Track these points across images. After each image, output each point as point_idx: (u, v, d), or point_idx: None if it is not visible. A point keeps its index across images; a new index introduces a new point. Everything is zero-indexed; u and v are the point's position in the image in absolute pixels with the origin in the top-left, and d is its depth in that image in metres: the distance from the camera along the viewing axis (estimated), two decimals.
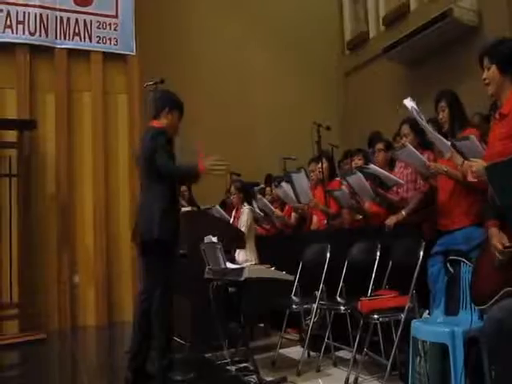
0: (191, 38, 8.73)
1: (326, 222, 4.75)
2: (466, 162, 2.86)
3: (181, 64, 8.32)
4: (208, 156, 3.26)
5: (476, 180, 2.53)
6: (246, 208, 5.04)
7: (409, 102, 3.32)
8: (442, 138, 3.29)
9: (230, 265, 3.49)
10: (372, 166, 4.01)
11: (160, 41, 8.21)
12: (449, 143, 3.01)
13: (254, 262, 4.75)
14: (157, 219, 3.26)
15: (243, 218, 4.94)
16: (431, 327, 2.75)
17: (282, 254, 4.77)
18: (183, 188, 6.05)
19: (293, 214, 5.59)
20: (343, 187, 4.52)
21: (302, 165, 5.77)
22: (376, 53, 8.35)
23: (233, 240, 4.39)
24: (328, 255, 3.94)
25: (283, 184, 5.32)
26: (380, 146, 4.40)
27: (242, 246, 4.59)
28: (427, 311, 3.16)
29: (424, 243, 3.28)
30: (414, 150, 3.55)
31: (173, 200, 3.42)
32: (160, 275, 3.33)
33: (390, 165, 4.32)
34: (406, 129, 3.93)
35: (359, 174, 4.09)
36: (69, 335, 5.76)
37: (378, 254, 3.66)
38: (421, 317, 3.09)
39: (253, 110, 8.88)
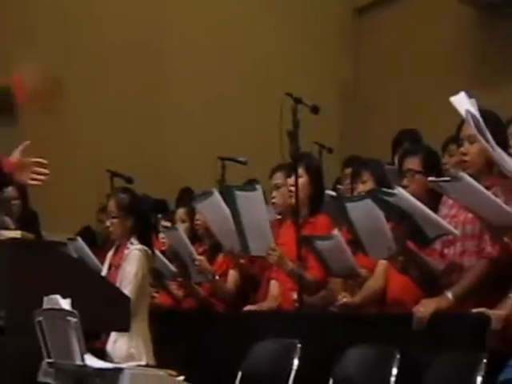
0: None
1: (295, 296, 4.76)
2: None
3: None
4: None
5: None
6: (135, 249, 5.03)
7: (461, 100, 3.37)
8: (510, 160, 3.41)
9: (93, 361, 3.39)
10: (400, 190, 4.07)
11: None
12: None
13: (143, 362, 4.73)
14: None
15: (129, 269, 4.97)
16: None
17: (204, 351, 4.78)
18: (10, 192, 6.09)
19: (231, 273, 5.61)
20: (336, 232, 4.58)
21: (257, 176, 5.82)
22: None
23: (105, 311, 4.28)
24: (296, 363, 3.99)
25: (211, 201, 5.35)
26: (413, 164, 4.52)
27: (124, 327, 4.47)
28: None
29: (486, 360, 3.37)
30: (477, 186, 3.72)
31: None
32: None
33: (432, 198, 4.39)
34: None
35: (369, 202, 4.17)
36: None
37: (395, 371, 3.73)
38: None
39: (165, 68, 9.09)
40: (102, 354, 4.22)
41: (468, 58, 8.41)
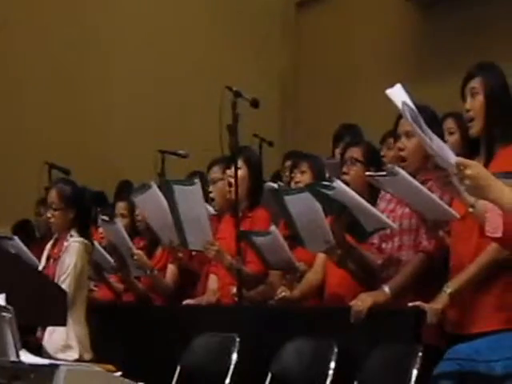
0: None
1: (234, 290, 4.78)
2: (480, 201, 3.05)
3: None
4: None
5: (499, 235, 2.80)
6: (74, 241, 4.99)
7: (397, 92, 3.39)
8: (448, 150, 3.46)
9: (29, 357, 3.32)
10: (339, 183, 4.09)
11: None
12: (454, 159, 3.14)
13: (80, 355, 4.69)
14: None
15: (68, 261, 4.92)
16: None
17: (143, 345, 4.78)
18: None
19: (170, 267, 5.59)
20: (273, 228, 4.59)
21: (197, 169, 5.83)
22: None
23: (41, 306, 4.24)
24: (235, 357, 4.01)
25: (149, 195, 5.33)
26: (354, 153, 4.56)
27: (60, 322, 4.42)
28: None
29: (422, 354, 3.42)
30: (412, 181, 3.77)
31: None
32: None
33: (370, 193, 4.44)
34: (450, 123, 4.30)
35: (307, 195, 4.17)
36: None
37: (333, 365, 3.76)
38: None
39: (105, 60, 9.10)
40: (38, 350, 4.17)
41: (408, 53, 8.51)
